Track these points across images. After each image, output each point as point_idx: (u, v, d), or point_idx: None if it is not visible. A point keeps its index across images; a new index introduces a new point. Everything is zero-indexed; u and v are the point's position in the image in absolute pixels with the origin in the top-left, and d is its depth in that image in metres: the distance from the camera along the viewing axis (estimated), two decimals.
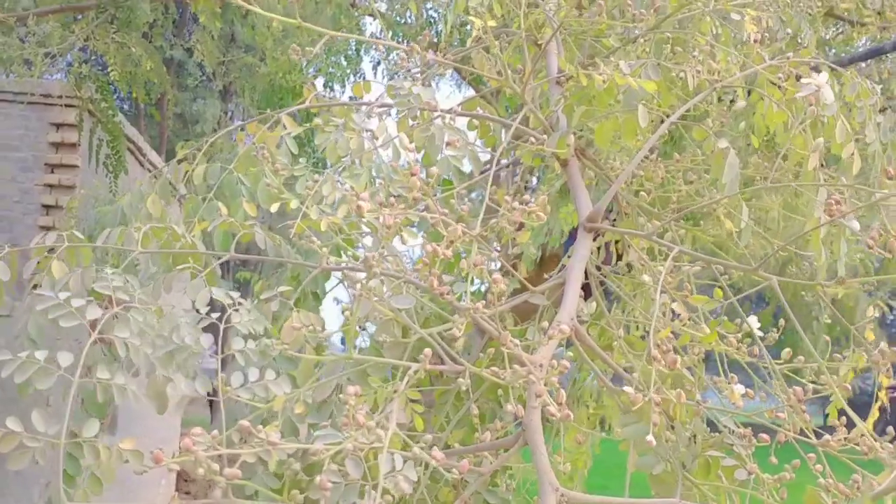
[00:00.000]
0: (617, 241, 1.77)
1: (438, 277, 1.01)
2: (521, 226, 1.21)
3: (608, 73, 1.45)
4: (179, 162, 1.81)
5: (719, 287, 1.29)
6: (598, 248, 1.72)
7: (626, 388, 0.92)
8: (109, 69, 4.52)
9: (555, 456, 1.45)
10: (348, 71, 5.26)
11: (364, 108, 1.64)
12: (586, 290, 1.65)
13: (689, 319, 1.18)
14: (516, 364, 0.92)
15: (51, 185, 5.46)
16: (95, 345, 0.90)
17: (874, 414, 1.25)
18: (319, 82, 5.21)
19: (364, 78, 6.00)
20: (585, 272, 1.77)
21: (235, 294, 1.05)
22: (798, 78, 1.50)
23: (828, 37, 2.83)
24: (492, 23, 1.47)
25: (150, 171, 6.69)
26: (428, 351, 0.90)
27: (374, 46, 5.52)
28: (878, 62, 2.90)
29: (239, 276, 11.33)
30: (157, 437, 6.71)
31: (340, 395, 1.10)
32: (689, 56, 1.45)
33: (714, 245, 1.55)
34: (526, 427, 1.01)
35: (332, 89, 5.33)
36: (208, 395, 1.05)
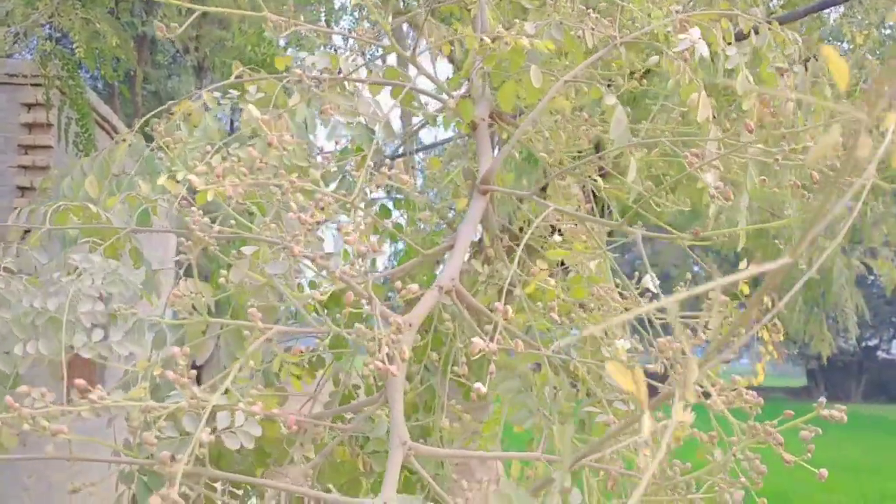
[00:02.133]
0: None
1: (300, 243, 1.08)
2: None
3: (507, 36, 1.51)
4: (117, 143, 1.90)
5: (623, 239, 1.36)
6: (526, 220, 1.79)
7: (474, 340, 1.00)
8: (75, 46, 4.58)
9: (464, 414, 1.53)
10: (318, 42, 5.30)
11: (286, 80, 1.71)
12: (508, 252, 1.72)
13: (549, 279, 1.25)
14: (359, 324, 0.99)
15: (25, 167, 5.56)
16: None
17: (760, 377, 1.32)
18: (290, 54, 5.27)
19: (335, 49, 6.04)
20: (514, 238, 1.84)
21: (96, 258, 1.13)
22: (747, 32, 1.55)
23: None
24: None
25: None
26: (253, 311, 0.98)
27: (344, 15, 5.56)
28: (845, 15, 2.92)
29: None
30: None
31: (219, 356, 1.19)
32: (586, 15, 1.51)
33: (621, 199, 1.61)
34: (386, 383, 1.09)
35: (301, 61, 5.38)
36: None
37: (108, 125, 6.13)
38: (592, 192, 1.85)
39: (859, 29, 3.69)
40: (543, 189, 2.00)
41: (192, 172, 1.01)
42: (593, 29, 1.49)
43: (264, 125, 1.13)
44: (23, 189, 5.61)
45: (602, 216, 1.76)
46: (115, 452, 1.06)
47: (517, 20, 1.80)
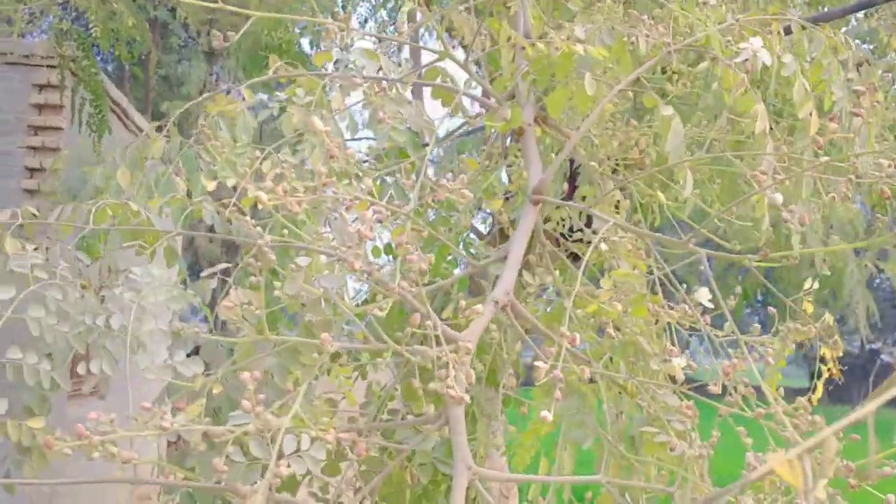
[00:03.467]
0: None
1: (359, 257, 1.08)
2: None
3: (560, 40, 1.50)
4: (159, 129, 1.89)
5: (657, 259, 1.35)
6: (561, 219, 1.78)
7: (536, 363, 0.99)
8: (91, 26, 4.57)
9: (509, 426, 1.53)
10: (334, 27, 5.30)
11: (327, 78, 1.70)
12: (552, 258, 1.72)
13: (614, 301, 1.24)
14: (423, 345, 0.99)
15: (34, 148, 5.57)
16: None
17: (818, 392, 1.31)
18: (306, 41, 5.25)
19: (351, 39, 6.02)
20: (555, 241, 1.84)
21: (157, 272, 1.13)
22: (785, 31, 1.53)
23: None
24: None
25: (135, 134, 6.80)
26: (326, 336, 0.98)
27: (361, 2, 5.53)
28: (869, 16, 2.89)
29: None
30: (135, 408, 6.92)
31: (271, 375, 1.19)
32: (640, 20, 1.49)
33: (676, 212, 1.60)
34: (446, 404, 1.08)
35: (318, 47, 5.35)
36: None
37: (118, 108, 6.12)
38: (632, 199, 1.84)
39: (891, 30, 3.65)
40: (570, 194, 1.99)
41: (260, 188, 1.00)
42: (647, 35, 1.47)
43: (325, 136, 1.12)
44: (32, 170, 5.61)
45: (646, 225, 1.75)
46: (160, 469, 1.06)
47: (563, 22, 1.79)
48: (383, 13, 6.12)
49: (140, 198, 1.74)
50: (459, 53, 1.92)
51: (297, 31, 5.01)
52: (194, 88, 11.92)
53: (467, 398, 0.92)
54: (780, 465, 0.42)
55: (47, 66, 5.31)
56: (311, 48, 5.47)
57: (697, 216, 1.69)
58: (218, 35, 1.39)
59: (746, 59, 1.34)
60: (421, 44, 1.78)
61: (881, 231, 1.43)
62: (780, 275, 4.85)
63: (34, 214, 1.56)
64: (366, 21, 6.49)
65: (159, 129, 1.89)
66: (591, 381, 1.34)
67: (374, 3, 6.25)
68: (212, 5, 1.48)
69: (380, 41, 1.79)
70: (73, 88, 5.03)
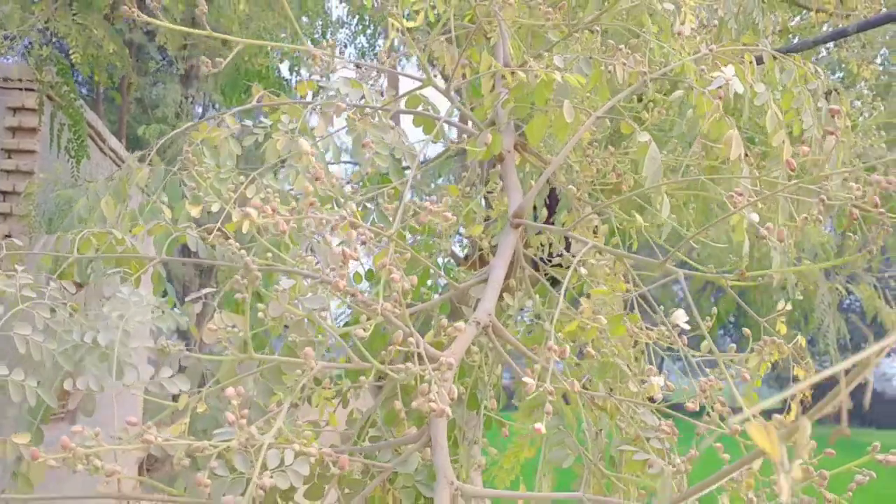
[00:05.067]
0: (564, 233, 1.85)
1: (343, 277, 1.09)
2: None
3: (538, 68, 1.53)
4: (141, 159, 1.90)
5: (636, 280, 1.37)
6: (541, 244, 1.80)
7: (525, 379, 1.01)
8: (71, 52, 4.59)
9: (490, 448, 1.53)
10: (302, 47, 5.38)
11: (309, 107, 1.72)
12: (532, 282, 1.74)
13: (597, 316, 1.26)
14: (408, 363, 1.00)
15: (7, 171, 5.55)
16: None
17: (792, 412, 1.33)
18: (285, 66, 5.30)
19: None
20: (534, 266, 1.86)
21: (143, 293, 1.14)
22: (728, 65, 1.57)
23: (790, 24, 2.90)
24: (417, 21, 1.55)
25: (110, 157, 6.80)
26: (309, 350, 0.99)
27: (341, 28, 5.61)
28: (839, 46, 2.97)
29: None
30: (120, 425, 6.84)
31: (252, 394, 1.19)
32: (617, 50, 1.53)
33: (652, 235, 1.63)
34: (429, 422, 1.09)
35: (297, 73, 5.42)
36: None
37: (93, 131, 6.14)
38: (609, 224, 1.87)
39: (860, 60, 3.74)
40: (549, 219, 2.02)
41: (249, 205, 1.02)
42: (625, 64, 1.51)
43: (312, 159, 1.14)
44: (4, 193, 5.60)
45: (624, 249, 1.77)
46: (147, 487, 1.06)
47: (542, 52, 1.83)
48: (363, 39, 6.19)
49: (124, 225, 1.75)
50: (440, 82, 1.95)
51: (276, 55, 5.06)
52: (169, 111, 11.88)
53: (449, 412, 0.93)
54: (757, 431, 0.44)
55: (23, 88, 5.32)
56: (291, 73, 5.53)
57: (672, 241, 1.72)
58: (206, 61, 1.41)
59: (720, 87, 1.37)
60: (399, 71, 1.81)
61: (852, 251, 1.46)
62: (752, 298, 4.93)
63: (18, 245, 1.56)
64: (345, 46, 6.57)
65: (142, 158, 1.91)
66: (569, 402, 1.35)
67: (353, 29, 6.33)
68: (197, 31, 1.50)
69: (358, 68, 1.81)
70: (52, 113, 5.04)
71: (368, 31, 6.57)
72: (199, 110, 14.16)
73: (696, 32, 1.64)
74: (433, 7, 1.84)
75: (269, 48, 4.88)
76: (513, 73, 1.75)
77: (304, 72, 5.91)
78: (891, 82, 4.44)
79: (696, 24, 1.70)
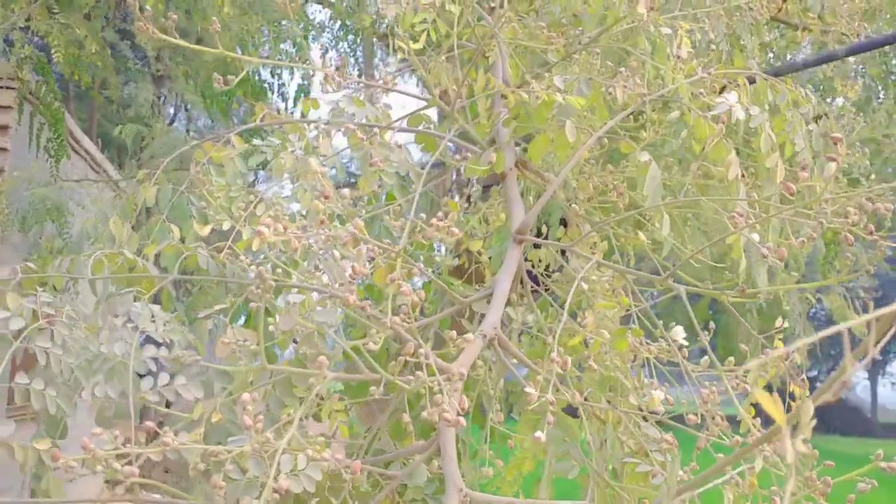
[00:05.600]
0: (563, 251, 1.89)
1: (353, 292, 1.12)
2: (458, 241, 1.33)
3: (540, 89, 1.57)
4: (140, 183, 1.93)
5: (636, 295, 1.40)
6: (539, 259, 1.83)
7: (527, 389, 1.03)
8: (53, 51, 4.59)
9: (496, 461, 1.55)
10: (297, 58, 5.44)
11: (312, 125, 1.76)
12: (534, 297, 1.77)
13: (601, 329, 1.29)
14: (421, 372, 1.03)
15: None
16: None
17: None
18: (266, 71, 5.36)
19: (313, 72, 6.16)
20: (535, 280, 1.89)
21: (156, 307, 1.16)
22: (723, 89, 1.62)
23: (769, 39, 2.97)
24: (419, 44, 1.58)
25: (83, 157, 6.83)
26: (322, 359, 1.01)
27: (323, 33, 5.68)
28: (838, 64, 3.04)
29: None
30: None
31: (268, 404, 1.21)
32: (617, 71, 1.57)
33: (649, 253, 1.66)
34: (438, 432, 1.12)
35: (279, 76, 5.48)
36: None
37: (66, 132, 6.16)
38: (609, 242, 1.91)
39: (846, 81, 3.81)
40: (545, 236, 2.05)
41: (259, 223, 1.05)
42: (625, 86, 1.55)
43: (321, 177, 1.17)
44: None
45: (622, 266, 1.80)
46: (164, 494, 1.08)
47: (541, 72, 1.87)
48: (344, 45, 6.25)
49: (132, 244, 1.77)
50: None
51: (260, 56, 5.11)
52: (142, 111, 11.81)
53: (462, 421, 0.96)
54: (764, 399, 0.46)
55: (7, 87, 5.33)
56: (273, 77, 5.60)
57: (669, 259, 1.75)
58: (218, 77, 1.44)
59: (722, 112, 1.41)
60: (401, 90, 1.84)
61: (845, 268, 1.50)
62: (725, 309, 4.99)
63: (33, 270, 1.59)
64: (326, 52, 6.63)
65: (147, 176, 1.93)
66: (574, 414, 1.37)
67: (335, 34, 6.37)
68: (205, 49, 1.53)
69: (364, 86, 1.85)
70: (32, 112, 5.06)
71: (350, 37, 6.60)
72: (172, 111, 14.09)
73: (692, 55, 1.68)
74: (434, 27, 1.88)
75: (251, 51, 4.92)
76: (513, 92, 1.79)
77: (285, 74, 5.98)
78: (870, 96, 4.53)
79: (692, 48, 1.74)
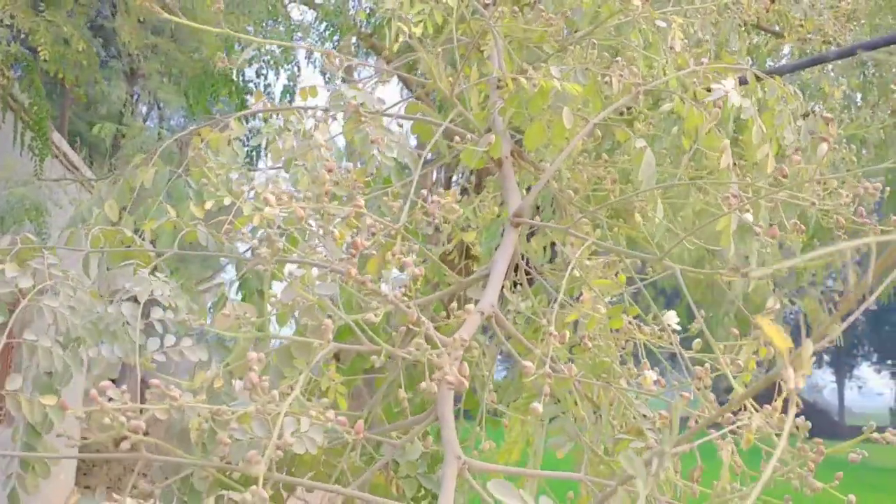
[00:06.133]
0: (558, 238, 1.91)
1: (355, 266, 1.13)
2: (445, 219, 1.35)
3: (537, 77, 1.59)
4: (136, 167, 1.94)
5: (628, 280, 1.42)
6: (545, 248, 1.85)
7: (524, 362, 1.05)
8: (39, 49, 4.56)
9: (489, 441, 1.57)
10: (282, 58, 5.48)
11: (310, 111, 1.77)
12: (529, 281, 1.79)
13: (597, 305, 1.31)
14: (419, 340, 1.04)
15: None
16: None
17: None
18: (252, 71, 5.41)
19: (297, 66, 6.23)
20: (528, 267, 1.90)
21: (161, 274, 1.17)
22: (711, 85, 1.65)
23: (754, 42, 3.01)
24: (418, 30, 1.60)
25: (56, 157, 6.81)
26: (328, 322, 1.02)
27: (309, 33, 5.72)
28: (820, 70, 3.10)
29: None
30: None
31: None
32: (613, 62, 1.59)
33: (643, 240, 1.68)
34: (436, 400, 1.13)
35: (265, 77, 5.51)
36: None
37: None
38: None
39: (833, 85, 3.86)
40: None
41: (264, 195, 1.06)
42: (621, 76, 1.57)
43: (325, 152, 1.18)
44: None
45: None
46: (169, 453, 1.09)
47: (538, 63, 1.89)
48: (329, 45, 6.28)
49: (128, 224, 1.78)
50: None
51: (246, 59, 5.12)
52: (114, 108, 11.66)
53: (465, 383, 0.97)
54: (769, 327, 0.48)
55: None
56: (257, 77, 5.64)
57: (661, 247, 1.77)
58: (222, 57, 1.45)
59: (718, 98, 1.44)
60: (397, 72, 1.86)
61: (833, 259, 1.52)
62: (704, 299, 5.06)
63: (32, 240, 1.59)
64: (311, 54, 6.66)
65: (143, 161, 1.94)
66: (571, 392, 1.39)
67: (321, 34, 6.39)
68: (211, 29, 1.55)
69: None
70: (17, 110, 5.04)
71: (336, 38, 6.62)
72: (144, 109, 13.97)
73: (686, 48, 1.71)
74: (430, 18, 1.90)
75: (236, 49, 4.93)
76: (513, 79, 1.81)
77: (271, 75, 6.02)
78: (849, 105, 4.61)
79: (685, 41, 1.77)
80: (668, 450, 0.66)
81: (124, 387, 0.87)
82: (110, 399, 0.87)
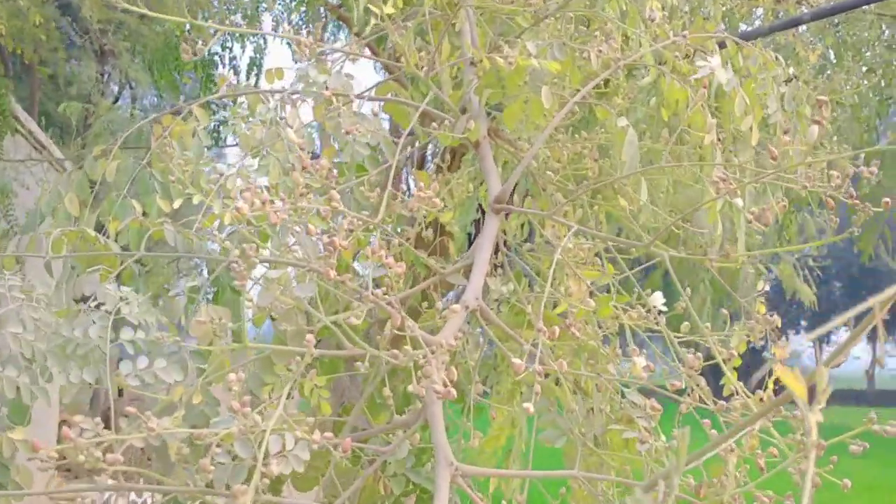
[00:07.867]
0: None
1: (334, 267, 1.09)
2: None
3: (513, 55, 1.54)
4: (97, 158, 1.86)
5: (612, 262, 1.39)
6: (521, 226, 1.81)
7: (514, 360, 1.01)
8: None
9: (476, 432, 1.54)
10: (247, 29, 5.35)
11: (276, 95, 1.70)
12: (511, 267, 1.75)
13: (590, 294, 1.28)
14: (407, 346, 1.00)
15: None
16: None
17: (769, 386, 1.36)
18: (217, 45, 5.28)
19: (263, 38, 6.10)
20: (506, 251, 1.87)
21: (126, 288, 1.11)
22: (695, 53, 1.60)
23: (728, 8, 2.98)
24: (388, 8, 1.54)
25: (24, 136, 6.67)
26: (310, 338, 0.98)
27: (275, 3, 5.58)
28: (794, 33, 3.06)
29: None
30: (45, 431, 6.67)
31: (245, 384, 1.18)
32: (592, 36, 1.54)
33: (624, 220, 1.65)
34: (425, 404, 1.09)
35: (230, 49, 5.39)
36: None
37: None
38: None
39: (809, 48, 3.83)
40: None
41: (234, 198, 1.00)
42: (599, 51, 1.52)
43: (299, 149, 1.13)
44: None
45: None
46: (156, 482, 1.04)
47: (513, 38, 1.83)
48: (297, 17, 6.13)
49: (91, 221, 1.71)
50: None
51: (211, 32, 4.98)
52: (84, 88, 11.35)
53: (454, 392, 0.93)
54: (785, 374, 0.45)
55: None
56: (223, 50, 5.50)
57: (647, 227, 1.74)
58: (186, 48, 1.38)
59: (704, 77, 1.39)
60: (367, 56, 1.80)
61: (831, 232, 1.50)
62: (679, 275, 5.09)
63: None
64: (278, 25, 6.52)
65: (105, 151, 1.86)
66: (556, 382, 1.36)
67: (287, 5, 6.24)
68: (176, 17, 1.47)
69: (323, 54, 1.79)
70: None
71: (302, 10, 6.46)
72: (116, 88, 13.67)
73: (665, 18, 1.66)
74: None
75: (201, 23, 4.79)
76: (489, 56, 1.75)
77: (237, 46, 5.88)
78: (825, 65, 4.59)
79: (663, 12, 1.72)
80: (676, 474, 0.63)
81: (98, 419, 0.82)
82: (83, 430, 0.82)
